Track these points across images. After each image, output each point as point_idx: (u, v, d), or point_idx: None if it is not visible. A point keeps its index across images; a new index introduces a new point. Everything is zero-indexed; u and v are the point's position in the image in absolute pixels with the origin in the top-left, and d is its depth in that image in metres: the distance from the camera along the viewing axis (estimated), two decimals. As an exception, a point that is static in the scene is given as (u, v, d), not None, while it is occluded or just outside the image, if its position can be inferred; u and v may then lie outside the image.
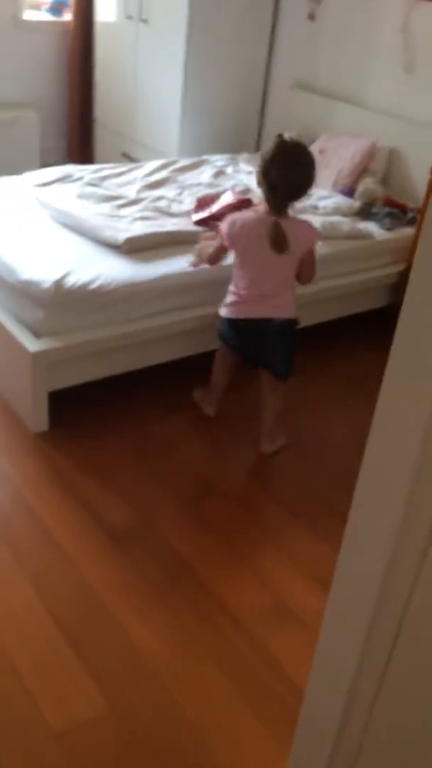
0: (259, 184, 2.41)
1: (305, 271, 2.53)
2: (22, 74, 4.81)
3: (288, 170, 2.34)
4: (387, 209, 3.46)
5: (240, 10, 4.10)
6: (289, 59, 4.28)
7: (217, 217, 2.89)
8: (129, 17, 4.32)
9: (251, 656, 1.89)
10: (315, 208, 3.35)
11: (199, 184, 3.52)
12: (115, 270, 2.62)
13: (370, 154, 3.70)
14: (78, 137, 5.03)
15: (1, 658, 1.82)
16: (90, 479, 2.44)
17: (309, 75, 4.20)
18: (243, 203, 3.01)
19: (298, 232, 2.43)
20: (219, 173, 3.73)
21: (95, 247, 2.77)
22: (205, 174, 3.69)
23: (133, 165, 3.75)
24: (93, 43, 4.75)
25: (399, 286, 3.41)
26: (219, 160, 3.95)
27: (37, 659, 1.83)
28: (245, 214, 2.51)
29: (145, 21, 4.21)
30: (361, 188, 3.54)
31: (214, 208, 3.03)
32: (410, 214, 3.45)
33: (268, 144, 2.42)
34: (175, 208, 3.17)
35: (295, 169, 2.36)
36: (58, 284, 2.47)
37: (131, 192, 3.30)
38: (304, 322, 3.07)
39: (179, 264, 2.74)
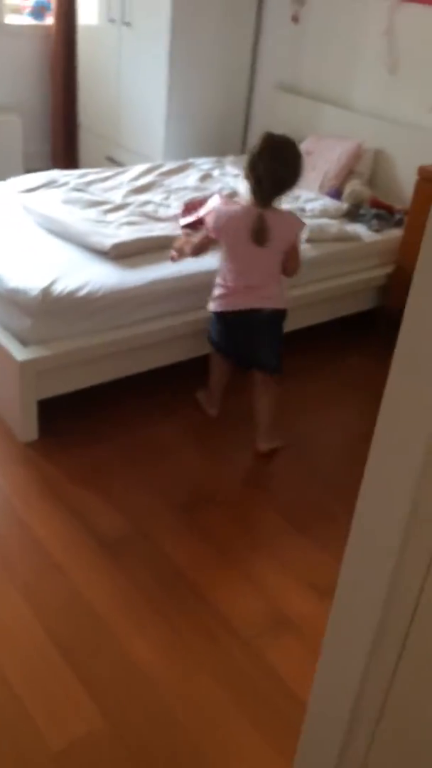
0: (247, 177, 2.43)
1: (290, 262, 2.55)
2: (4, 78, 4.77)
3: (275, 164, 2.37)
4: (374, 211, 3.45)
5: (223, 12, 4.08)
6: (274, 61, 4.27)
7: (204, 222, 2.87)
8: (111, 20, 4.29)
9: (248, 666, 1.87)
10: (302, 210, 3.34)
11: (185, 188, 3.50)
12: (102, 276, 2.59)
13: (356, 155, 3.70)
14: (62, 141, 4.99)
15: (-5, 674, 1.79)
16: (81, 488, 2.41)
17: (293, 77, 4.19)
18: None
19: (282, 224, 2.46)
20: (205, 176, 3.72)
21: (82, 253, 2.75)
22: (191, 177, 3.68)
23: (118, 169, 3.72)
24: (76, 47, 4.72)
25: (387, 287, 3.41)
26: (205, 163, 3.94)
27: (29, 672, 1.80)
28: (231, 207, 2.54)
29: (127, 24, 4.18)
30: (348, 190, 3.54)
31: (202, 212, 3.01)
32: (397, 216, 3.45)
33: (255, 141, 2.44)
34: (162, 212, 3.15)
35: (282, 162, 2.39)
36: (46, 292, 2.44)
37: (117, 197, 3.28)
38: (293, 325, 3.07)
39: (167, 269, 2.72)
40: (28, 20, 4.84)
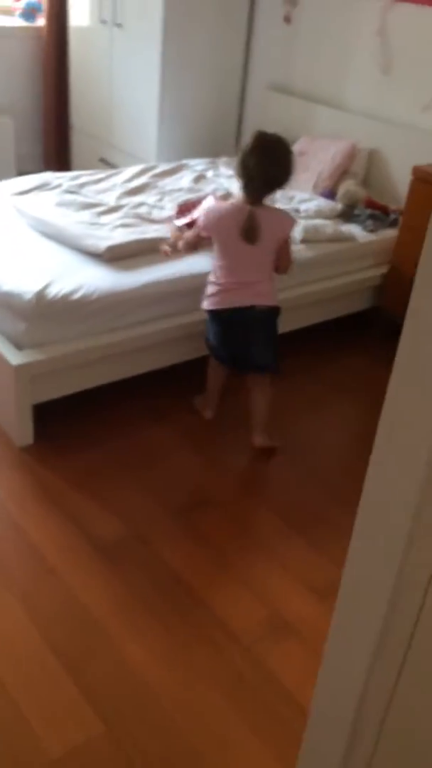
0: (238, 175, 2.46)
1: (282, 260, 2.57)
2: (-5, 80, 4.75)
3: (266, 162, 2.40)
4: (369, 211, 3.45)
5: (215, 13, 4.07)
6: (266, 62, 4.26)
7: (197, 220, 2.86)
8: (103, 22, 4.28)
9: (248, 671, 1.85)
10: (297, 211, 3.33)
11: (179, 190, 3.49)
12: (97, 279, 2.58)
13: (350, 155, 3.69)
14: (54, 143, 4.97)
15: (-8, 682, 1.77)
16: (77, 492, 2.39)
17: (286, 78, 4.18)
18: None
19: (273, 221, 2.48)
20: (199, 178, 3.70)
21: (76, 255, 2.73)
22: (185, 179, 3.66)
23: (111, 171, 3.71)
24: (67, 48, 4.70)
25: (382, 288, 3.40)
26: (199, 164, 3.92)
27: (26, 678, 1.78)
28: (222, 205, 2.56)
29: (119, 25, 4.17)
30: (342, 190, 3.53)
31: (196, 213, 2.99)
32: (392, 216, 3.44)
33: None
34: (156, 214, 3.13)
35: (273, 160, 2.42)
36: (40, 295, 2.42)
37: (111, 199, 3.26)
38: (289, 326, 3.07)
39: (162, 271, 2.71)
40: (19, 22, 4.82)
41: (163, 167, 3.76)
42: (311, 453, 2.71)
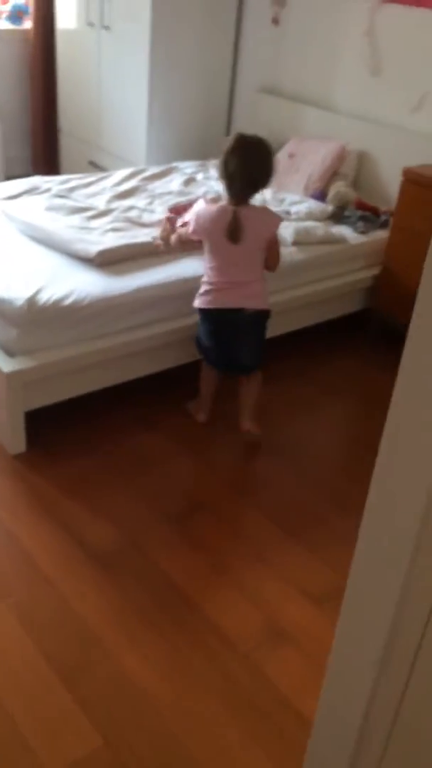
0: (220, 176, 2.52)
1: (270, 258, 2.60)
2: (-18, 83, 4.73)
3: (246, 162, 2.44)
4: (359, 212, 3.44)
5: (203, 15, 4.06)
6: (255, 64, 4.25)
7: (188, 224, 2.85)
8: (90, 24, 4.26)
9: (246, 679, 1.84)
10: (288, 213, 3.32)
11: (170, 193, 3.47)
12: (88, 284, 2.56)
13: (340, 157, 3.68)
14: (43, 146, 4.95)
15: (-13, 695, 1.75)
16: (70, 500, 2.37)
17: (275, 79, 4.18)
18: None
19: (257, 221, 2.51)
20: (189, 180, 3.69)
21: (66, 260, 2.71)
22: (175, 182, 3.65)
23: (101, 174, 3.69)
24: (55, 51, 4.67)
25: (374, 289, 3.40)
26: (188, 167, 3.91)
27: (24, 693, 1.76)
28: (210, 207, 2.60)
29: (107, 28, 4.15)
30: (332, 192, 3.52)
31: (187, 216, 2.98)
32: (383, 217, 3.43)
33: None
34: (147, 218, 3.12)
35: (253, 161, 2.46)
36: (31, 301, 2.40)
37: (101, 203, 3.24)
38: (281, 329, 3.06)
39: (154, 276, 2.69)
40: (5, 24, 4.80)
41: (153, 170, 3.75)
42: (305, 455, 2.71)
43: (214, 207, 2.58)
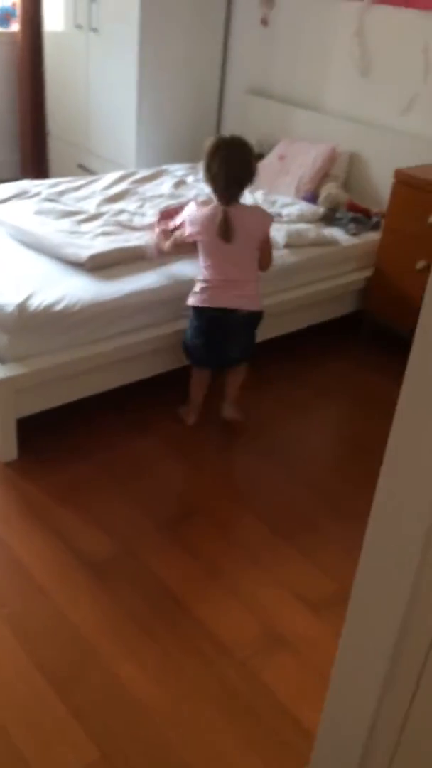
0: (204, 179, 2.57)
1: (263, 257, 2.64)
2: (-30, 87, 4.70)
3: (227, 161, 2.48)
4: (351, 214, 3.44)
5: (192, 16, 4.04)
6: (244, 65, 4.24)
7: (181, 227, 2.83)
8: (78, 26, 4.23)
9: (242, 686, 1.82)
10: (279, 215, 3.31)
11: (160, 196, 3.45)
12: (79, 289, 2.54)
13: (331, 158, 3.68)
14: (31, 149, 4.92)
15: (-19, 708, 1.72)
16: (63, 507, 2.35)
17: (264, 81, 4.16)
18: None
19: (248, 220, 2.55)
20: (179, 183, 3.67)
21: (57, 265, 2.69)
22: (165, 185, 3.63)
23: (91, 178, 3.67)
24: (42, 54, 4.65)
25: (366, 291, 3.39)
26: (178, 169, 3.89)
27: (17, 704, 1.73)
28: (201, 209, 2.62)
29: (95, 30, 4.13)
30: (324, 194, 3.52)
31: (178, 220, 2.96)
32: (374, 219, 3.43)
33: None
34: (138, 221, 3.10)
35: (234, 159, 2.50)
36: (22, 307, 2.38)
37: (91, 206, 3.22)
38: (273, 332, 3.05)
39: (145, 280, 2.67)
40: (-7, 27, 4.77)
41: (143, 173, 3.73)
42: (298, 458, 2.69)
43: (205, 208, 2.59)
